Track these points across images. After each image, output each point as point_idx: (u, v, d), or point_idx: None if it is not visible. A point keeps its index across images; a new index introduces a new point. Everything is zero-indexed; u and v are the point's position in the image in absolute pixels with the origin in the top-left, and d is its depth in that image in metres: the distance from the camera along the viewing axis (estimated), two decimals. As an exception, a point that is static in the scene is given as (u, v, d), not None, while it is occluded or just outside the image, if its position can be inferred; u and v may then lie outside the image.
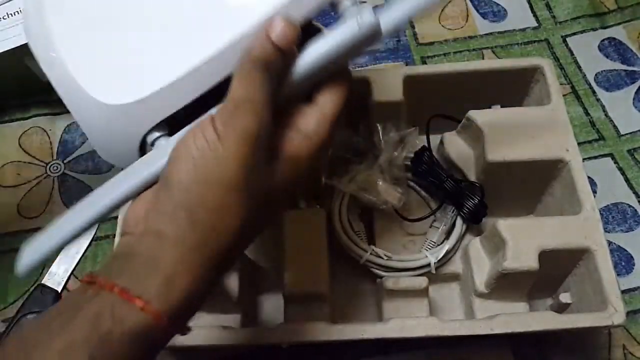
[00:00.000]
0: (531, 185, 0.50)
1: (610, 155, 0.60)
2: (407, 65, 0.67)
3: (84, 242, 0.56)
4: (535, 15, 0.70)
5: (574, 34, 0.68)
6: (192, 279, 0.29)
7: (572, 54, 0.66)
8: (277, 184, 0.31)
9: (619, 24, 0.68)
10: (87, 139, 0.63)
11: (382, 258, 0.49)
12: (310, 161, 0.33)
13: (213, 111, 0.31)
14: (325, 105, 0.33)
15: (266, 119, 0.30)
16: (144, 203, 0.31)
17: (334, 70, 0.34)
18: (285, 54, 0.31)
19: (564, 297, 0.46)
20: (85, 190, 0.60)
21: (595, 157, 0.60)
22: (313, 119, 0.33)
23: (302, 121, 0.33)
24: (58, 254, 0.50)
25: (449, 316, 0.49)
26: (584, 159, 0.47)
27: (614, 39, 0.67)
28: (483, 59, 0.66)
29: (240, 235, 0.30)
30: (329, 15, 0.39)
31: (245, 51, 0.31)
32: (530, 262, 0.43)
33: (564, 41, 0.67)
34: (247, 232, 0.31)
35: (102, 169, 0.61)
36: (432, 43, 0.68)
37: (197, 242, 0.29)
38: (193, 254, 0.29)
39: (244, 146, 0.29)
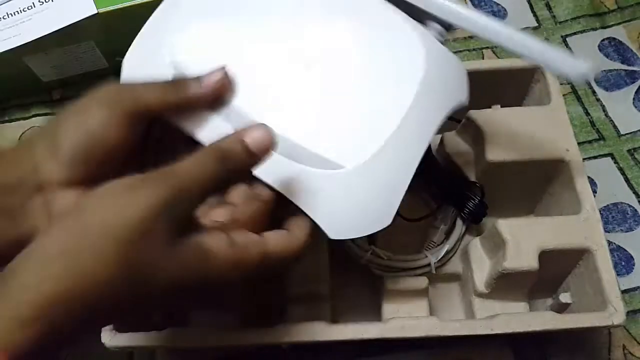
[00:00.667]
0: (531, 185, 0.50)
1: (610, 155, 0.60)
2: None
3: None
4: (535, 15, 0.70)
5: (574, 33, 0.68)
6: (50, 307, 0.26)
7: (572, 53, 0.66)
8: (168, 264, 0.29)
9: (619, 23, 0.68)
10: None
11: (382, 258, 0.49)
12: (222, 271, 0.31)
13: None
14: (269, 241, 0.33)
15: (190, 199, 0.30)
16: (42, 230, 0.30)
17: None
18: (252, 157, 0.32)
19: (564, 297, 0.46)
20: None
21: (595, 157, 0.60)
22: (249, 238, 0.32)
23: (237, 233, 0.32)
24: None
25: (449, 316, 0.49)
26: (584, 159, 0.47)
27: (614, 38, 0.67)
28: (483, 58, 0.66)
29: (103, 289, 0.27)
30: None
31: (216, 141, 0.32)
32: (530, 262, 0.43)
33: (564, 41, 0.67)
34: (117, 294, 0.28)
35: (102, 168, 0.61)
36: (432, 43, 0.68)
37: (62, 270, 0.26)
38: (55, 280, 0.26)
39: (148, 210, 0.28)
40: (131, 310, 0.30)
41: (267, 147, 0.32)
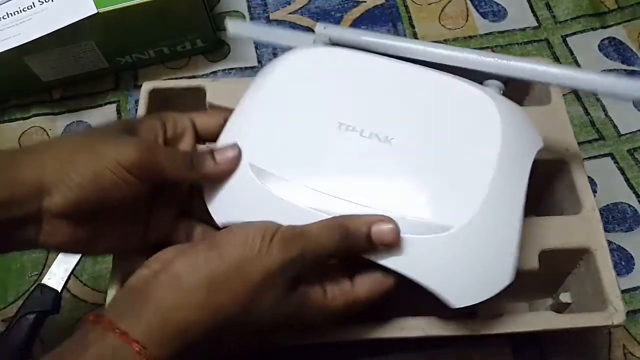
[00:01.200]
0: (531, 185, 0.49)
1: (610, 155, 0.60)
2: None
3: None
4: (535, 15, 0.70)
5: (574, 33, 0.68)
6: (190, 328, 0.31)
7: (572, 53, 0.66)
8: (280, 309, 0.34)
9: (619, 23, 0.68)
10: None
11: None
12: (314, 314, 0.35)
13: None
14: (358, 288, 0.36)
15: (311, 261, 0.34)
16: (176, 251, 0.34)
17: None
18: (370, 245, 0.35)
19: (564, 297, 0.46)
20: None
21: (595, 157, 0.60)
22: (339, 287, 0.36)
23: (331, 282, 0.36)
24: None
25: (449, 315, 0.49)
26: (584, 159, 0.47)
27: (614, 38, 0.67)
28: (483, 58, 0.66)
29: (231, 321, 0.33)
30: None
31: (347, 215, 0.36)
32: (530, 262, 0.43)
33: (564, 41, 0.67)
34: (231, 326, 0.33)
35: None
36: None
37: (204, 300, 0.32)
38: (196, 308, 0.32)
39: (279, 264, 0.33)
40: (242, 338, 0.35)
41: (388, 242, 0.35)
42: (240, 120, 0.41)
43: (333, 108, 0.40)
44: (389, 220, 0.35)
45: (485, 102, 0.39)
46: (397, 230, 0.35)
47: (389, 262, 0.36)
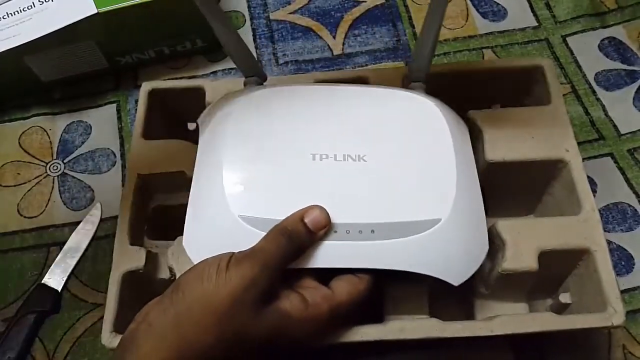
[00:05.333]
0: (531, 185, 0.50)
1: (610, 154, 0.60)
2: (407, 64, 0.67)
3: (84, 242, 0.56)
4: (535, 15, 0.70)
5: (574, 33, 0.68)
6: None
7: (572, 53, 0.66)
8: (256, 328, 0.35)
9: (619, 23, 0.68)
10: (87, 138, 0.63)
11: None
12: (300, 327, 0.36)
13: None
14: (337, 291, 0.38)
15: (271, 273, 0.36)
16: (153, 301, 0.37)
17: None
18: (311, 234, 0.38)
19: (564, 298, 0.46)
20: (85, 189, 0.60)
21: (595, 157, 0.60)
22: (319, 293, 0.37)
23: (310, 290, 0.37)
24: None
25: (449, 317, 0.49)
26: (584, 159, 0.47)
27: (614, 38, 0.67)
28: (483, 58, 0.66)
29: (206, 353, 0.34)
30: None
31: (282, 220, 0.38)
32: (529, 262, 0.43)
33: (564, 41, 0.67)
34: (211, 356, 0.35)
35: (102, 168, 0.62)
36: (432, 42, 0.68)
37: (175, 339, 0.34)
38: (169, 349, 0.34)
39: (239, 286, 0.34)
40: None
41: (323, 225, 0.38)
42: (214, 175, 0.41)
43: (301, 142, 0.42)
44: (316, 206, 0.38)
45: (427, 105, 0.45)
46: (325, 212, 0.38)
47: (395, 265, 0.39)
